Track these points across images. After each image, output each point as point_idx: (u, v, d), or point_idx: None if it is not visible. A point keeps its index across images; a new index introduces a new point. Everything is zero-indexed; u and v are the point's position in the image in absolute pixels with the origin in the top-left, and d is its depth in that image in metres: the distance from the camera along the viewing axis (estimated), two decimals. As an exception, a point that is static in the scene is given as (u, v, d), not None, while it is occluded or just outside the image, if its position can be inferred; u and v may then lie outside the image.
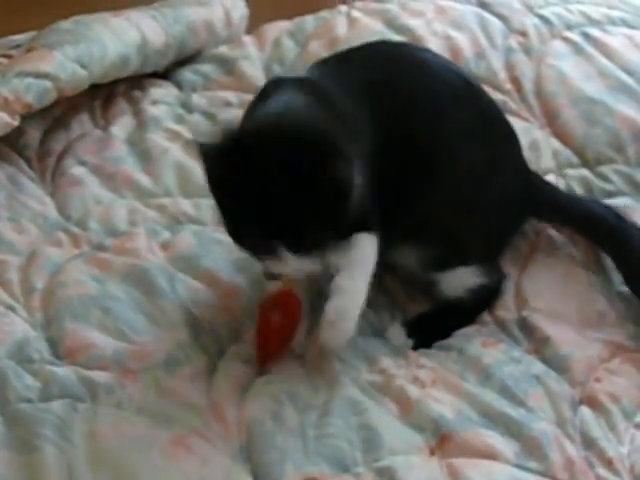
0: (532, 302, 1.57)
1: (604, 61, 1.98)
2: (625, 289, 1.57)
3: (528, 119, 1.89)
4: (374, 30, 2.08)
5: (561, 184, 1.76)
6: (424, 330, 1.53)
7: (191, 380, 1.41)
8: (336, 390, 1.40)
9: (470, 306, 1.56)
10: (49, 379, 1.38)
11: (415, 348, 1.50)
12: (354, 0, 2.26)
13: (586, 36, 2.05)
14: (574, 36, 2.05)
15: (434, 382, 1.41)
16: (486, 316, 1.56)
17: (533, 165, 1.71)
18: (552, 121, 1.88)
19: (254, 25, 2.27)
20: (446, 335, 1.53)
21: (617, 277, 1.59)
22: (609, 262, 1.61)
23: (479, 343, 1.50)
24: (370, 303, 1.56)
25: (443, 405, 1.37)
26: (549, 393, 1.41)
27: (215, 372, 1.43)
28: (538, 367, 1.46)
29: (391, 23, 2.10)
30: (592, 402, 1.41)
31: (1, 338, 1.45)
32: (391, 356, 1.47)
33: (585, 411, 1.39)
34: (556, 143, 1.85)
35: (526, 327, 1.53)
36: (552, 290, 1.59)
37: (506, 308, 1.57)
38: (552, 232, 1.67)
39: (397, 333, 1.52)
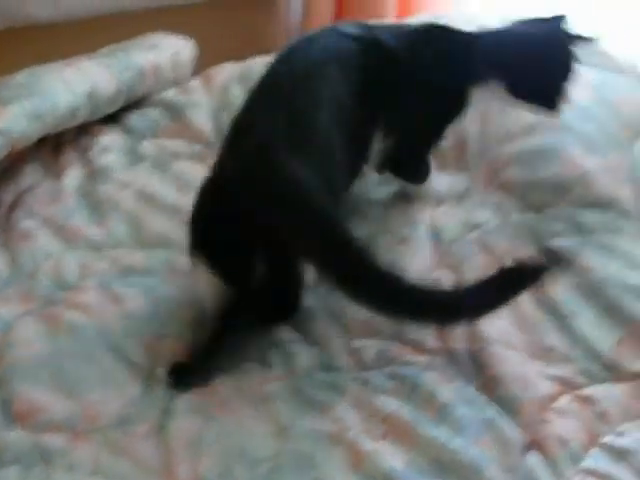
0: (484, 334, 1.57)
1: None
2: (575, 323, 1.59)
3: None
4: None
5: (509, 229, 1.78)
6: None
7: (144, 438, 1.42)
8: (286, 442, 1.41)
9: None
10: (2, 445, 1.38)
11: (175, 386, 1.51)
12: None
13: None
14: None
15: (386, 434, 1.42)
16: (438, 347, 1.57)
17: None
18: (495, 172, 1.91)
19: (205, 64, 2.28)
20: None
21: (566, 310, 1.62)
22: (559, 296, 1.63)
23: (434, 378, 1.50)
24: (319, 336, 1.60)
25: (394, 457, 1.38)
26: (500, 438, 1.42)
27: (166, 428, 1.44)
28: (490, 410, 1.46)
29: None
30: (540, 446, 1.42)
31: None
32: (342, 401, 1.48)
33: (533, 457, 1.40)
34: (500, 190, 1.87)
35: (478, 362, 1.54)
36: (503, 323, 1.60)
37: (458, 340, 1.58)
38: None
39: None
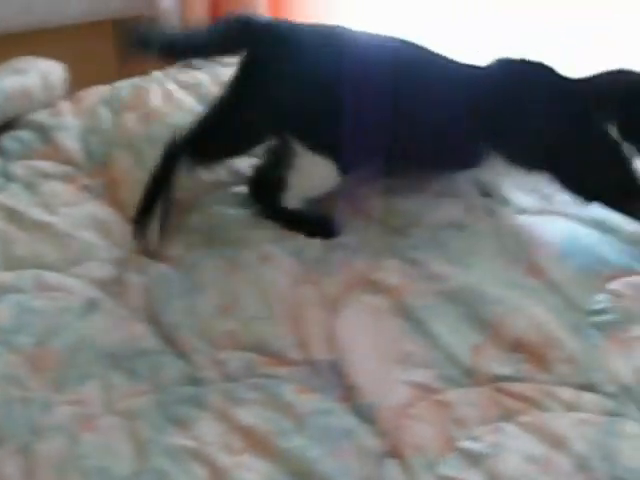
0: (343, 345, 1.61)
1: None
2: (434, 328, 1.62)
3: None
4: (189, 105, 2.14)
5: (370, 248, 1.81)
6: None
7: (9, 460, 1.43)
8: (145, 460, 1.43)
9: None
10: None
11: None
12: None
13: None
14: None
15: (246, 448, 1.44)
16: (301, 358, 1.60)
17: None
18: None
19: (83, 86, 2.29)
20: None
21: (425, 316, 1.64)
22: (417, 303, 1.67)
23: (294, 389, 1.54)
24: (186, 347, 1.62)
25: (253, 471, 1.40)
26: (358, 447, 1.45)
27: (32, 448, 1.44)
28: (348, 419, 1.49)
29: (205, 97, 2.13)
30: (397, 454, 1.44)
31: None
32: (204, 415, 1.50)
33: (390, 465, 1.43)
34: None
35: (337, 372, 1.57)
36: (362, 332, 1.63)
37: (319, 351, 1.61)
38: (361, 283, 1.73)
39: None
